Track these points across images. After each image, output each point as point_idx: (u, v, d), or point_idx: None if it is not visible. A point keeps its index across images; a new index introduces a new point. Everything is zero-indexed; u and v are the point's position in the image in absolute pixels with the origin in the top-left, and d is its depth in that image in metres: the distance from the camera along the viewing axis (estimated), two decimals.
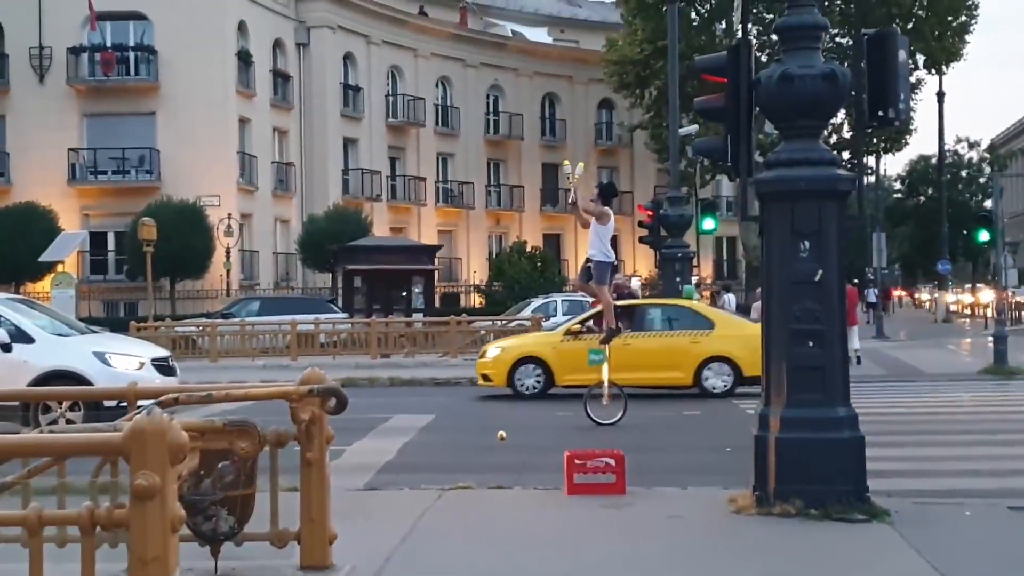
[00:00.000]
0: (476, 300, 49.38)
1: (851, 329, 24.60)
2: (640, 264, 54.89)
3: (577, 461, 9.37)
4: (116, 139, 42.00)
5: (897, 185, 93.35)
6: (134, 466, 3.67)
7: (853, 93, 8.35)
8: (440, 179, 54.61)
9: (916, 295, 76.88)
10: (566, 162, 15.64)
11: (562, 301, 35.15)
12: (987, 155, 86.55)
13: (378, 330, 29.56)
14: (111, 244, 42.47)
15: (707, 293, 44.95)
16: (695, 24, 48.20)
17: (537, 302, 35.03)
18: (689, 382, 19.12)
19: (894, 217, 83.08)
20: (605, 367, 14.55)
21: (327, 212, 44.01)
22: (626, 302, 20.08)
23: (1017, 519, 8.20)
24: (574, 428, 14.48)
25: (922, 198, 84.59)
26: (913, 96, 49.31)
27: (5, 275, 37.89)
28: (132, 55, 43.09)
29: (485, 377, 19.69)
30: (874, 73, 8.39)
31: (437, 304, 42.59)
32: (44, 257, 32.61)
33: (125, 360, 14.87)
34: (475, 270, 52.69)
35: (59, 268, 32.06)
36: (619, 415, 14.55)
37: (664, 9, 35.23)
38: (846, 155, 46.53)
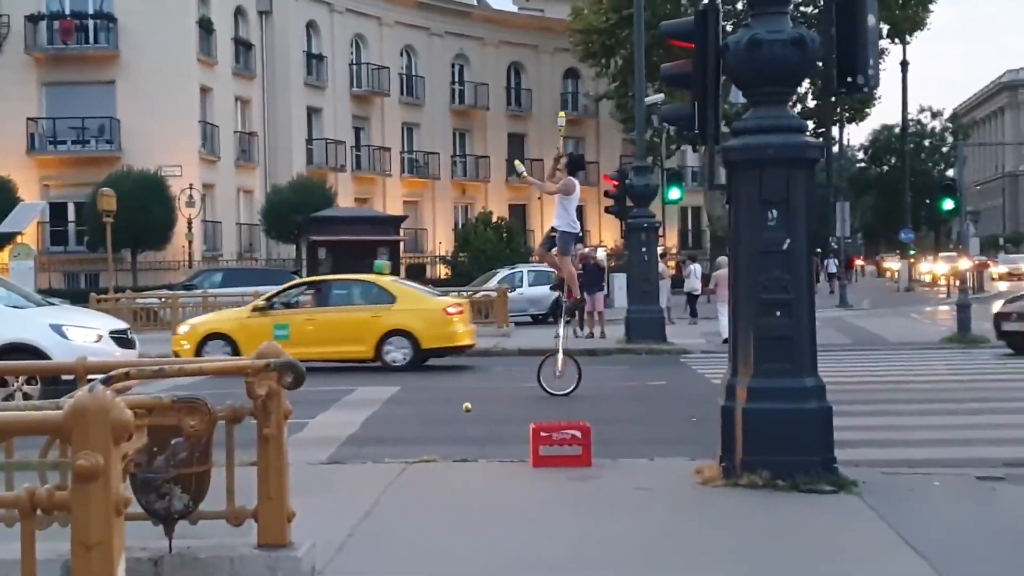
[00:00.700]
0: (442, 271, 49.21)
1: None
2: (605, 234, 54.84)
3: (543, 433, 9.25)
4: (75, 108, 41.34)
5: (860, 155, 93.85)
6: (76, 446, 3.48)
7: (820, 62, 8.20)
8: (405, 149, 54.24)
9: (882, 264, 77.27)
10: (517, 163, 16.02)
11: (528, 271, 35.04)
12: (949, 124, 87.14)
13: None
14: (71, 215, 41.89)
15: (672, 263, 45.02)
16: None
17: (503, 273, 34.90)
18: (371, 355, 19.43)
19: (857, 187, 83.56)
20: (561, 339, 14.46)
21: (291, 183, 43.63)
22: (316, 278, 20.50)
23: (985, 489, 8.15)
24: (540, 400, 14.38)
25: (885, 168, 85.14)
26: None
27: None
28: (91, 23, 42.38)
29: (176, 354, 19.55)
30: (843, 38, 8.24)
31: (403, 275, 42.35)
32: (2, 228, 32.08)
33: (83, 332, 14.59)
34: (441, 241, 52.48)
35: (18, 239, 31.55)
36: (573, 385, 14.45)
37: None
38: (810, 124, 46.66)
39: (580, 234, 14.50)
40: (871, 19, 8.26)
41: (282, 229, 42.03)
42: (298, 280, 22.67)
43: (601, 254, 33.90)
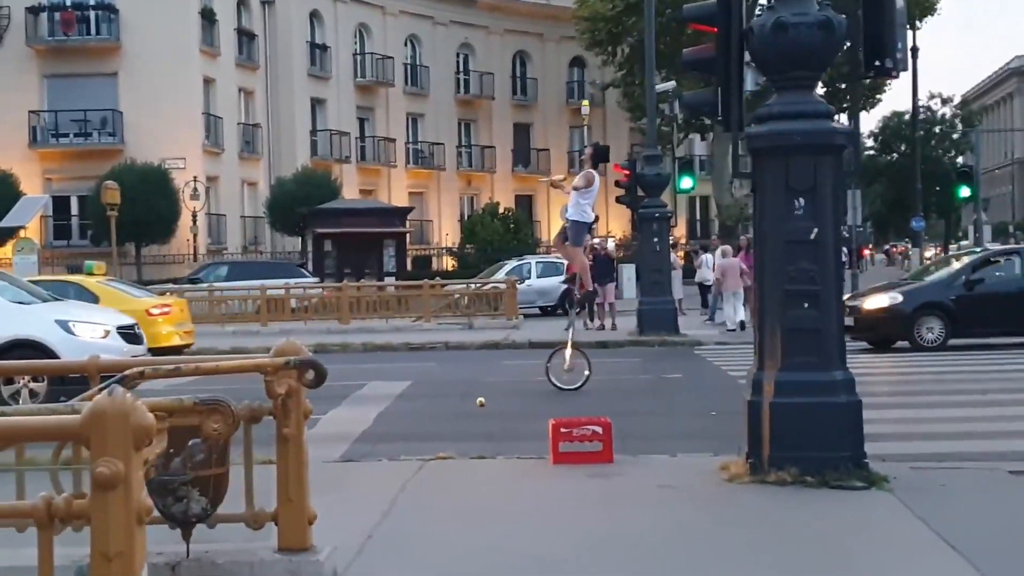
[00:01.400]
0: (448, 263, 49.11)
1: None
2: (614, 224, 54.68)
3: (563, 429, 9.10)
4: (77, 101, 41.23)
5: (870, 142, 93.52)
6: (94, 452, 3.33)
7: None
8: (410, 140, 54.12)
9: (896, 250, 76.79)
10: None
11: (536, 263, 34.96)
12: (959, 111, 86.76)
13: (350, 295, 29.23)
14: (74, 209, 41.81)
15: (682, 254, 44.85)
16: None
17: (510, 264, 34.80)
18: None
19: (867, 174, 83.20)
20: (571, 331, 14.30)
21: (295, 174, 43.52)
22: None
23: (1019, 484, 7.99)
24: (554, 394, 14.28)
25: (895, 155, 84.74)
26: None
27: None
28: (92, 14, 42.24)
29: None
30: (870, 21, 8.09)
31: (409, 267, 42.29)
32: (5, 223, 31.93)
33: (89, 328, 14.46)
34: (447, 232, 52.37)
35: (21, 234, 31.44)
36: (582, 380, 14.28)
37: None
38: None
39: (593, 224, 14.32)
40: (899, 0, 8.10)
41: (287, 221, 41.98)
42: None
43: (611, 245, 33.82)
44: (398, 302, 29.72)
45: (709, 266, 29.13)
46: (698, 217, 62.75)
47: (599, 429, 9.08)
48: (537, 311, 33.42)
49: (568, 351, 14.19)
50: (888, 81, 50.42)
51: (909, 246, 61.38)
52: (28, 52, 41.55)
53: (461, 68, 56.49)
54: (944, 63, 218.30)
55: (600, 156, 14.13)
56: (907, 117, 72.61)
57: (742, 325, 25.06)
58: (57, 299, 16.24)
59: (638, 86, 46.50)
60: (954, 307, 19.41)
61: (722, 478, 8.22)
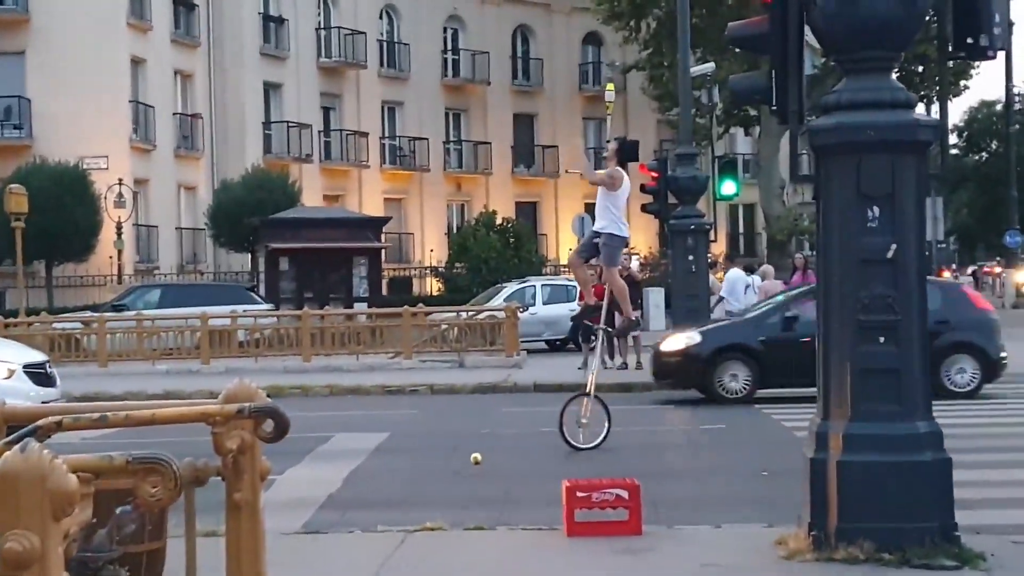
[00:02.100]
0: (433, 286, 49.09)
1: None
2: (639, 239, 54.65)
3: (579, 493, 9.08)
4: None
5: (953, 139, 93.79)
6: (3, 524, 3.28)
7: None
8: (386, 134, 54.21)
9: (988, 271, 76.53)
10: (569, 171, 15.90)
11: (542, 286, 34.94)
12: None
13: (311, 325, 29.18)
14: None
15: (722, 275, 44.86)
16: None
17: (510, 288, 34.78)
18: None
19: (950, 178, 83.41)
20: (591, 373, 14.24)
21: (244, 176, 43.58)
22: None
23: None
24: (565, 449, 14.23)
25: (984, 154, 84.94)
26: None
27: None
28: None
29: None
30: None
31: (385, 291, 42.24)
32: None
33: None
34: (432, 248, 52.41)
35: None
36: (600, 437, 14.16)
37: None
38: None
39: (628, 239, 14.29)
40: None
41: (234, 234, 41.98)
42: None
43: (635, 264, 33.77)
44: (372, 334, 29.67)
45: (756, 291, 29.16)
46: (742, 230, 62.83)
47: (624, 493, 9.05)
48: (543, 346, 33.33)
49: (587, 399, 14.10)
50: (977, 64, 50.59)
51: (1002, 267, 61.33)
52: None
53: (449, 46, 56.68)
54: None
55: (628, 154, 14.06)
56: (999, 108, 72.77)
57: None
58: None
59: (667, 68, 46.66)
60: (763, 350, 19.38)
61: (779, 555, 8.19)
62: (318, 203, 48.03)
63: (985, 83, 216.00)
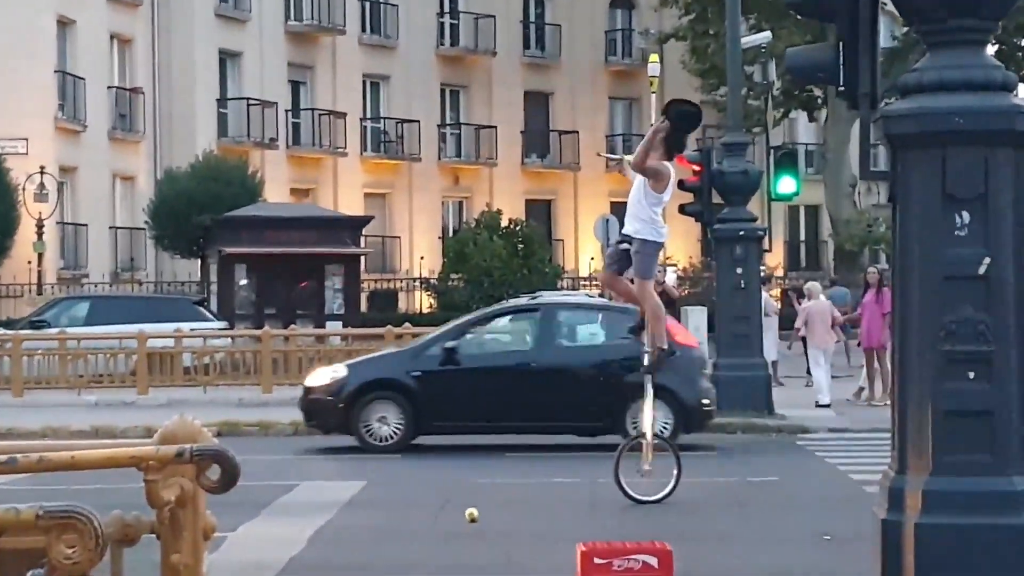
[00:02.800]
0: (423, 301, 49.05)
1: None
2: (676, 247, 54.60)
3: (597, 560, 9.03)
4: None
5: None
6: None
7: None
8: (368, 115, 54.25)
9: None
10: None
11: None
12: None
13: (274, 348, 29.16)
14: None
15: (778, 292, 44.86)
16: None
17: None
18: None
19: None
20: (647, 412, 14.23)
21: (194, 165, 43.58)
22: None
23: None
24: (581, 506, 14.27)
25: None
26: None
27: None
28: None
29: None
30: None
31: (364, 307, 42.19)
32: None
33: None
34: (422, 255, 52.36)
35: None
36: (669, 487, 14.17)
37: None
38: None
39: (664, 244, 14.20)
40: None
41: (180, 236, 41.94)
42: None
43: (671, 278, 33.70)
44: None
45: (830, 311, 29.18)
46: (803, 237, 62.76)
47: (653, 560, 9.01)
48: None
49: (647, 443, 14.07)
50: None
51: None
52: None
53: (446, 8, 56.73)
54: None
55: (686, 122, 13.77)
56: None
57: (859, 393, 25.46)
58: None
59: (713, 38, 46.69)
60: (418, 388, 19.50)
61: None
62: (284, 198, 48.04)
63: None
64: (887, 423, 8.81)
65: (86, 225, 44.97)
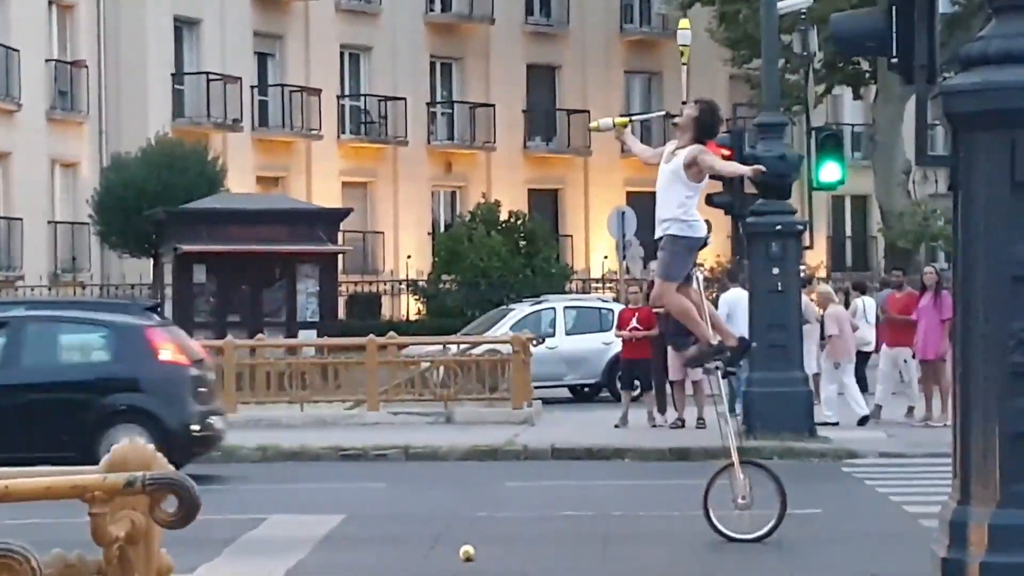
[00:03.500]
0: (411, 307, 49.05)
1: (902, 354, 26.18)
2: None
3: None
4: None
5: None
6: None
7: None
8: (346, 91, 54.27)
9: None
10: (592, 124, 15.28)
11: (565, 309, 34.89)
12: None
13: (237, 361, 29.16)
14: None
15: (816, 296, 44.81)
16: None
17: (521, 311, 34.75)
18: None
19: None
20: (731, 431, 14.18)
21: (146, 150, 43.60)
22: None
23: None
24: (590, 539, 14.21)
25: None
26: None
27: None
28: None
29: None
30: None
31: (343, 314, 42.19)
32: None
33: None
34: (409, 254, 52.42)
35: None
36: (773, 520, 14.03)
37: None
38: None
39: (707, 240, 14.04)
40: None
41: (129, 232, 41.93)
42: None
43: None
44: (323, 375, 29.64)
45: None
46: (849, 233, 62.78)
47: None
48: (566, 393, 33.28)
49: (739, 468, 14.00)
50: None
51: None
52: None
53: None
54: None
55: (711, 125, 13.76)
56: None
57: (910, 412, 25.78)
58: None
59: (745, 3, 46.66)
60: None
61: None
62: (250, 188, 48.06)
63: None
64: (947, 447, 8.83)
65: (20, 219, 44.99)
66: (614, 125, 14.18)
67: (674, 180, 13.30)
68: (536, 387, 29.37)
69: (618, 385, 28.08)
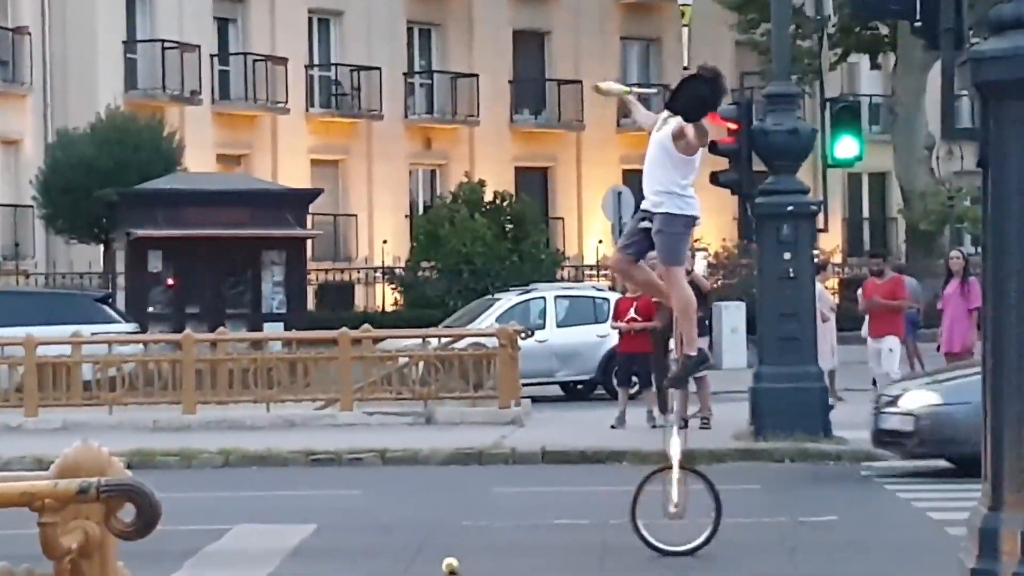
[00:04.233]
0: (386, 296, 49.09)
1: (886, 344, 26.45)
2: (705, 224, 54.69)
3: None
4: None
5: None
6: None
7: None
8: (315, 61, 54.29)
9: None
10: (601, 85, 15.00)
11: (556, 298, 34.91)
12: None
13: (198, 356, 29.17)
14: None
15: (833, 283, 44.85)
16: None
17: (508, 301, 34.79)
18: None
19: None
20: (674, 438, 14.15)
21: (95, 126, 43.60)
22: None
23: None
24: (586, 551, 14.24)
25: None
26: None
27: None
28: None
29: None
30: None
31: (312, 305, 42.22)
32: None
33: None
34: (385, 239, 52.48)
35: None
36: (707, 531, 13.99)
37: None
38: None
39: (698, 219, 13.92)
40: None
41: (78, 215, 41.94)
42: None
43: (700, 266, 33.71)
44: (291, 372, 29.66)
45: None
46: (866, 214, 62.89)
47: None
48: (558, 390, 33.30)
49: (675, 474, 13.98)
50: None
51: None
52: None
53: None
54: None
55: (700, 107, 13.59)
56: None
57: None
58: None
59: None
60: None
61: None
62: (209, 167, 48.08)
63: None
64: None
65: None
66: (624, 91, 14.14)
67: (662, 152, 13.17)
68: (525, 384, 29.43)
69: (614, 382, 28.09)
